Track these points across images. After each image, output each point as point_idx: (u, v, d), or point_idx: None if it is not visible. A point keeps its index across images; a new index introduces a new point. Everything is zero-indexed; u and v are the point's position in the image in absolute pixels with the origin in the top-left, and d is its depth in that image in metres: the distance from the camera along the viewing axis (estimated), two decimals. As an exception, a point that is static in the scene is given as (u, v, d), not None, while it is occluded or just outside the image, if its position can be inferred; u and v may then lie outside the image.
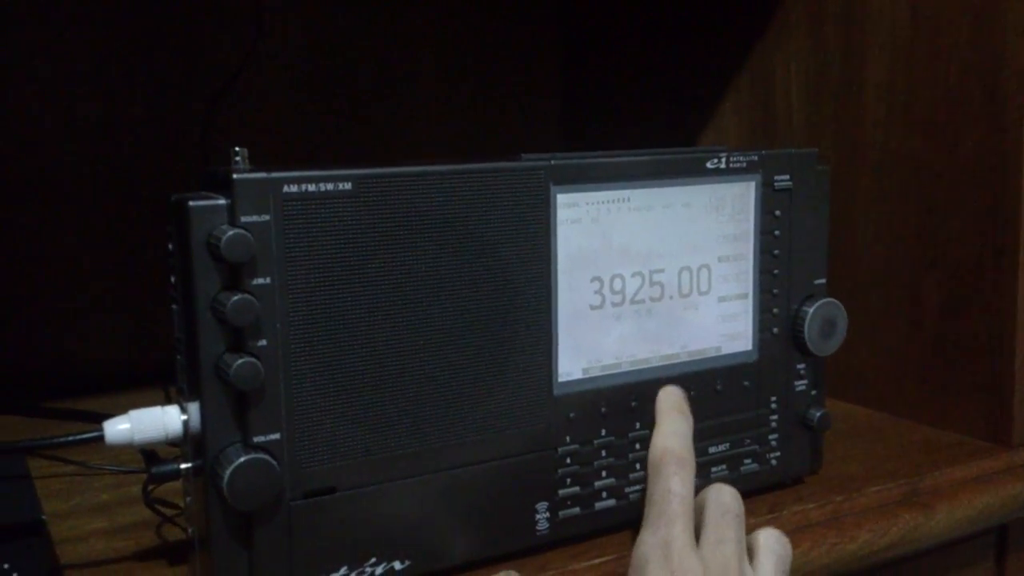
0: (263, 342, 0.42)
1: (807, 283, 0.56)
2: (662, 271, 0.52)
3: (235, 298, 0.40)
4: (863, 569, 0.56)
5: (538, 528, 0.50)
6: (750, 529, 0.49)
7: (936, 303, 0.67)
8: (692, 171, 0.52)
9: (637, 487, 0.52)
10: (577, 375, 0.50)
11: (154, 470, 0.46)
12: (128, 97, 0.84)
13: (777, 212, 0.55)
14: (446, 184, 0.45)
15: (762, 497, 0.56)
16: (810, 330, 0.56)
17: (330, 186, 0.43)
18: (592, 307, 0.50)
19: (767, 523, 0.54)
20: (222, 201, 0.41)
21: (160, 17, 0.84)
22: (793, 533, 0.54)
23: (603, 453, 0.51)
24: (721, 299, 0.54)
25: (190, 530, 0.46)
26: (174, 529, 0.52)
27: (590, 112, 1.02)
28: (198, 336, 0.41)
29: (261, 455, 0.42)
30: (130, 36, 0.83)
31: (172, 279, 0.44)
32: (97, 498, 0.58)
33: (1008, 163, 0.62)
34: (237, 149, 0.43)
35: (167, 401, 0.49)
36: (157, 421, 0.45)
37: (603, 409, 0.51)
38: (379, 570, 0.46)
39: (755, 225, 0.54)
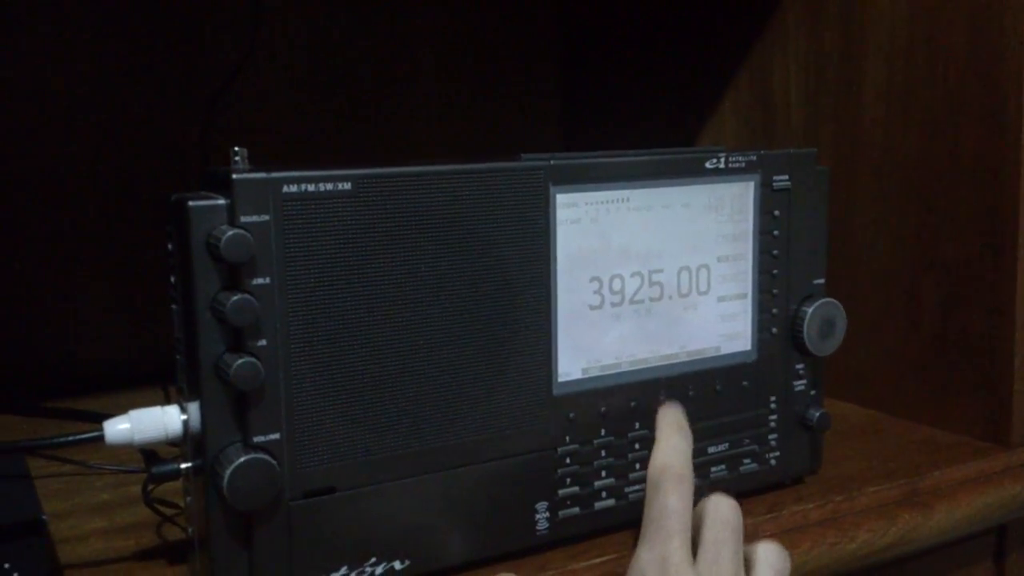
0: (263, 342, 0.42)
1: (806, 283, 0.57)
2: (661, 271, 0.52)
3: (235, 298, 0.40)
4: (862, 569, 0.56)
5: (538, 528, 0.50)
6: (749, 538, 0.49)
7: (935, 303, 0.67)
8: (691, 171, 0.52)
9: (637, 487, 0.52)
10: (576, 375, 0.50)
11: (154, 470, 0.46)
12: (128, 97, 0.84)
13: (776, 212, 0.55)
14: (446, 184, 0.45)
15: (761, 497, 0.57)
16: (809, 330, 0.56)
17: (330, 186, 0.43)
18: (591, 307, 0.50)
19: (766, 523, 0.54)
20: (222, 201, 0.41)
21: (159, 17, 0.84)
22: (792, 533, 0.54)
23: (603, 453, 0.51)
24: (720, 299, 0.54)
25: (190, 530, 0.47)
26: (174, 529, 0.52)
27: (590, 112, 1.02)
28: (198, 336, 0.41)
29: (261, 455, 0.42)
30: (130, 36, 0.83)
31: (172, 279, 0.44)
32: (97, 498, 0.58)
33: (1006, 163, 0.62)
34: (236, 149, 0.43)
35: (167, 401, 0.49)
36: (157, 421, 0.45)
37: (602, 409, 0.51)
38: (379, 570, 0.46)
39: (754, 225, 0.54)
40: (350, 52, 0.93)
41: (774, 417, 0.57)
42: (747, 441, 0.56)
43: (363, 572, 0.46)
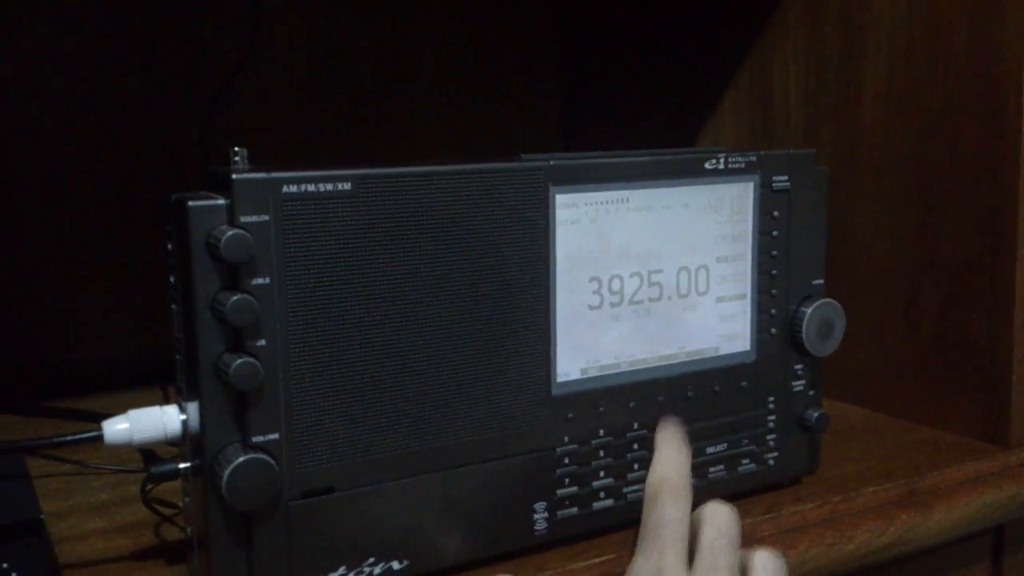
0: (262, 342, 0.42)
1: (805, 284, 0.57)
2: (660, 271, 0.52)
3: (234, 298, 0.40)
4: (860, 569, 0.56)
5: (536, 528, 0.50)
6: (747, 539, 0.49)
7: (934, 304, 0.67)
8: (691, 172, 0.52)
9: (635, 487, 0.52)
10: (575, 375, 0.50)
11: (153, 470, 0.46)
12: (128, 97, 0.84)
13: (775, 213, 0.55)
14: (445, 184, 0.45)
15: (760, 497, 0.57)
16: (808, 331, 0.56)
17: (329, 186, 0.43)
18: (591, 307, 0.50)
19: (764, 523, 0.54)
20: (221, 201, 0.41)
21: (160, 17, 0.84)
22: (791, 533, 0.54)
23: (601, 453, 0.51)
24: (719, 299, 0.54)
25: (189, 530, 0.47)
26: (173, 529, 0.52)
27: (589, 112, 1.02)
28: (197, 336, 0.42)
29: (260, 455, 0.42)
30: (130, 36, 0.84)
31: (171, 279, 0.44)
32: (96, 497, 0.58)
33: (1006, 164, 0.62)
34: (236, 149, 0.43)
35: (166, 401, 0.49)
36: (156, 421, 0.45)
37: (601, 409, 0.51)
38: (377, 570, 0.46)
39: (753, 226, 0.54)
40: (350, 52, 0.93)
41: (773, 417, 0.57)
42: (746, 441, 0.56)
43: (361, 572, 0.46)
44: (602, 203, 0.50)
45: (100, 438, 0.45)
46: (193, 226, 0.41)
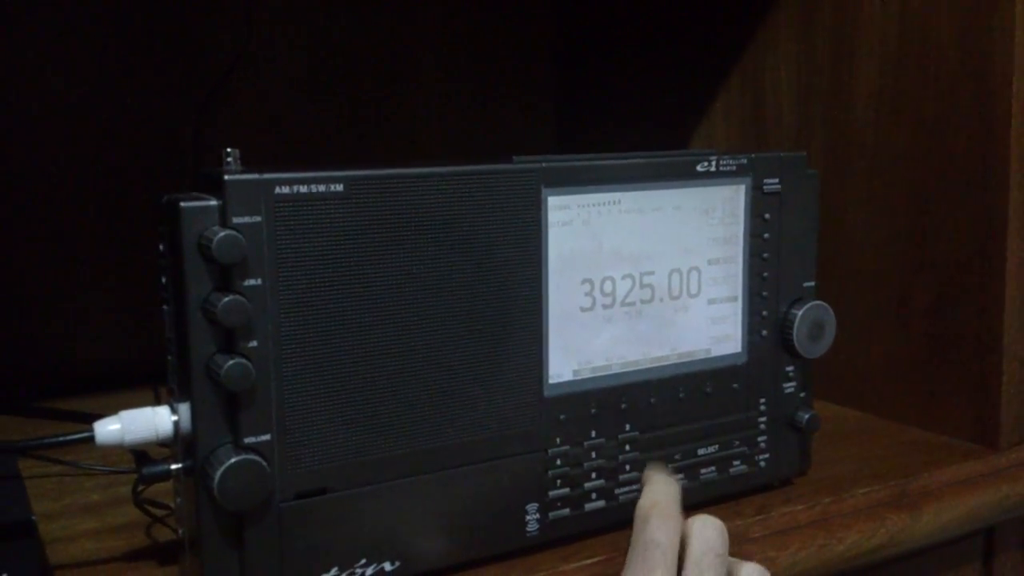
0: (254, 343, 0.42)
1: (796, 286, 0.57)
2: (652, 273, 0.52)
3: (226, 299, 0.40)
4: (851, 570, 0.56)
5: (528, 529, 0.50)
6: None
7: (925, 305, 0.67)
8: (682, 174, 0.52)
9: (627, 489, 0.53)
10: (567, 377, 0.50)
11: (144, 471, 0.46)
12: (128, 97, 0.84)
13: (767, 215, 0.55)
14: (438, 186, 0.45)
15: (751, 498, 0.57)
16: (799, 333, 0.56)
17: (322, 187, 0.43)
18: (583, 309, 0.50)
19: (755, 524, 0.54)
20: (213, 202, 0.41)
21: (158, 18, 0.84)
22: (781, 534, 0.54)
23: (593, 455, 0.52)
24: (711, 301, 0.54)
25: (180, 531, 0.47)
26: (164, 530, 0.52)
27: (584, 114, 1.02)
28: (189, 337, 0.41)
29: (252, 456, 0.42)
30: (130, 37, 0.83)
31: (163, 280, 0.44)
32: (87, 498, 0.58)
33: (996, 165, 0.62)
34: (229, 150, 0.43)
35: (158, 402, 0.49)
36: (148, 422, 0.45)
37: (593, 411, 0.51)
38: (369, 571, 0.46)
39: (745, 228, 0.55)
40: (346, 53, 0.93)
41: (764, 419, 0.57)
42: (737, 443, 0.56)
43: (353, 573, 0.46)
44: (594, 205, 0.50)
45: (92, 439, 0.45)
46: (185, 227, 0.41)
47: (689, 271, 0.53)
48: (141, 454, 0.57)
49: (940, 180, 0.66)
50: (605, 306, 0.51)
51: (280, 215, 0.42)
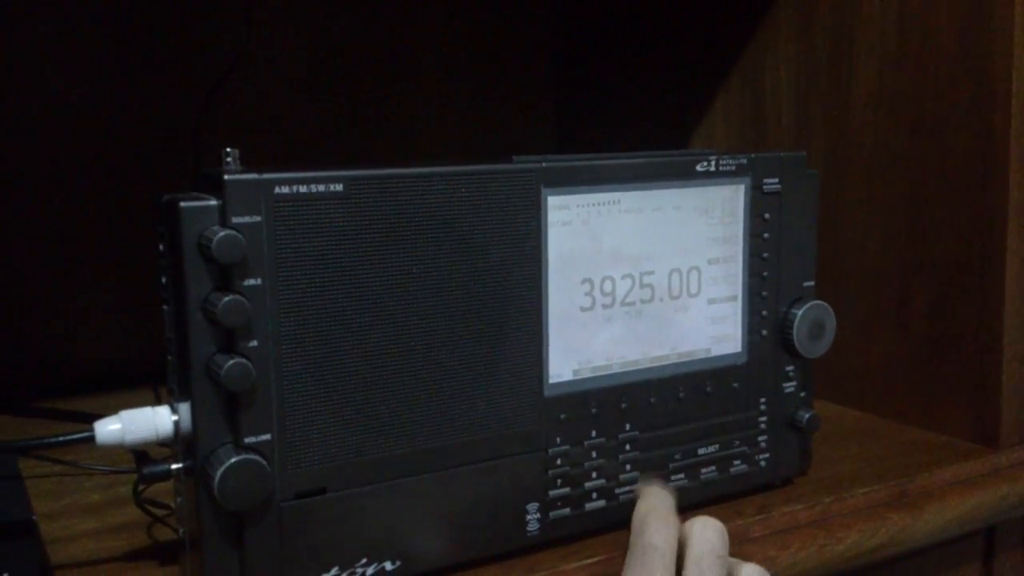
0: (254, 343, 0.42)
1: (796, 285, 0.57)
2: (652, 273, 0.52)
3: (226, 299, 0.40)
4: (852, 570, 0.56)
5: (528, 529, 0.50)
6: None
7: (925, 305, 0.67)
8: (682, 174, 0.52)
9: (627, 488, 0.53)
10: (567, 376, 0.50)
11: (145, 470, 0.46)
12: (128, 97, 0.84)
13: (766, 215, 0.55)
14: (437, 186, 0.45)
15: (751, 498, 0.57)
16: (799, 332, 0.56)
17: (321, 187, 0.43)
18: (582, 309, 0.50)
19: (756, 524, 0.54)
20: (213, 202, 0.41)
21: (154, 19, 0.84)
22: (782, 534, 0.54)
23: (593, 454, 0.52)
24: (711, 301, 0.54)
25: (181, 530, 0.47)
26: (165, 529, 0.52)
27: (584, 114, 1.02)
28: (189, 337, 0.42)
29: (252, 456, 0.42)
30: (127, 38, 0.83)
31: (163, 280, 0.44)
32: (88, 498, 0.58)
33: (995, 165, 0.62)
34: (228, 150, 0.43)
35: (158, 401, 0.49)
36: (148, 421, 0.45)
37: (593, 410, 0.51)
38: (370, 570, 0.46)
39: (744, 228, 0.55)
40: (346, 53, 0.93)
41: (764, 419, 0.57)
42: (737, 442, 0.56)
43: (354, 573, 0.46)
44: (594, 205, 0.50)
45: (92, 439, 0.45)
46: (185, 227, 0.41)
47: (689, 271, 0.53)
48: (141, 454, 0.57)
49: (940, 180, 0.66)
50: (605, 306, 0.51)
51: (280, 215, 0.42)
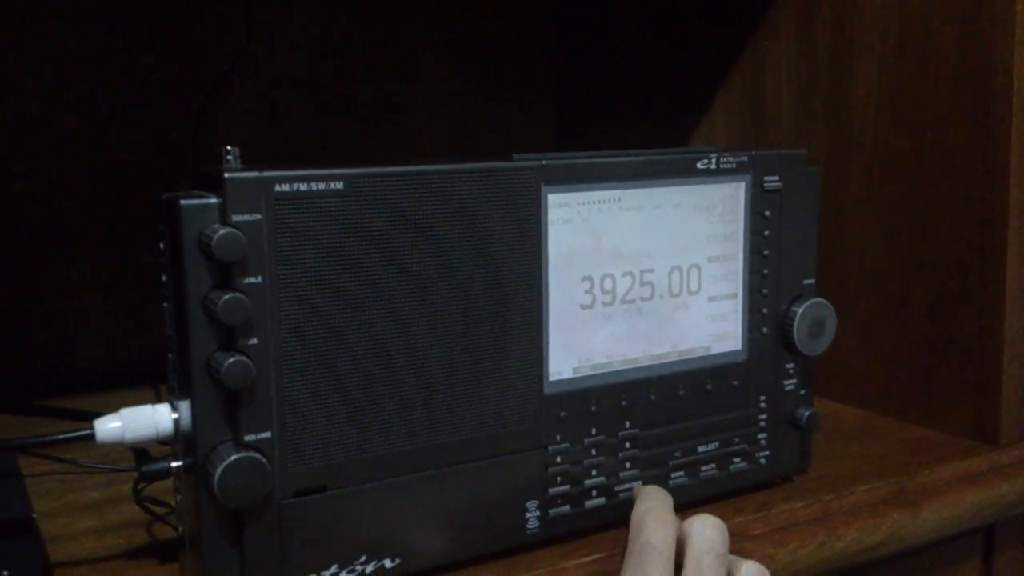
0: (254, 341, 0.42)
1: (796, 283, 0.57)
2: (652, 271, 0.52)
3: (226, 297, 0.40)
4: (851, 567, 0.56)
5: (528, 526, 0.50)
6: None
7: (925, 303, 0.67)
8: (682, 172, 0.52)
9: (627, 486, 0.53)
10: (567, 374, 0.50)
11: (145, 468, 0.46)
12: (128, 97, 0.84)
13: (767, 213, 0.55)
14: (438, 184, 0.45)
15: (751, 496, 0.57)
16: (799, 330, 0.56)
17: (322, 185, 0.43)
18: (583, 306, 0.50)
19: (755, 522, 0.54)
20: (213, 200, 0.41)
21: (154, 18, 0.84)
22: (782, 532, 0.54)
23: (593, 452, 0.52)
24: (711, 299, 0.54)
25: (181, 528, 0.47)
26: (165, 527, 0.52)
27: (584, 112, 1.02)
28: (189, 335, 0.42)
29: (252, 453, 0.42)
30: (127, 38, 0.83)
31: (163, 278, 0.44)
32: (88, 496, 0.58)
33: (995, 164, 0.62)
34: (229, 148, 0.43)
35: (158, 399, 0.49)
36: (148, 419, 0.45)
37: (593, 408, 0.51)
38: (369, 568, 0.46)
39: (745, 225, 0.55)
40: (346, 52, 0.93)
41: (764, 416, 0.57)
42: (737, 440, 0.56)
43: (353, 570, 0.46)
44: (594, 203, 0.50)
45: (92, 437, 0.45)
46: (185, 225, 0.41)
47: (689, 268, 0.53)
48: (141, 452, 0.57)
49: (940, 179, 0.66)
50: (605, 303, 0.51)
51: (280, 213, 0.42)
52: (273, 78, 0.89)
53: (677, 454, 0.54)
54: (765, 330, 0.56)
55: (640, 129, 0.94)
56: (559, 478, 0.51)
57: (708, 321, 0.54)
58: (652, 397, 0.53)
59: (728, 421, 0.56)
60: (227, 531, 0.43)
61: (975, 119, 0.63)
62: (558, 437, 0.50)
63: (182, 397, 0.43)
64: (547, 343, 0.49)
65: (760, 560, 0.48)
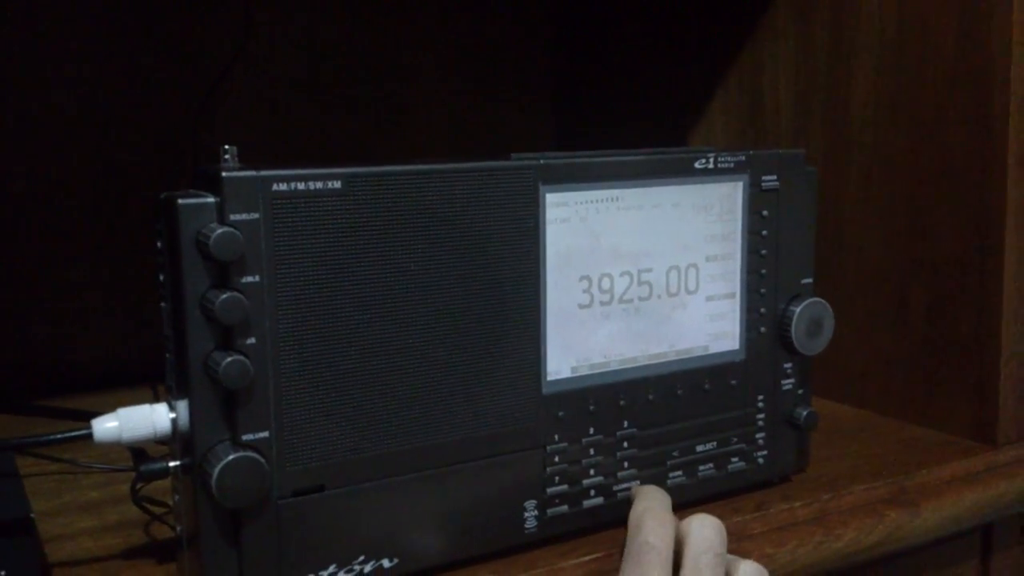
0: (252, 340, 0.42)
1: (794, 283, 0.57)
2: (650, 270, 0.52)
3: (224, 296, 0.40)
4: (849, 567, 0.56)
5: (526, 526, 0.50)
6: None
7: (923, 303, 0.67)
8: (680, 171, 0.52)
9: (625, 485, 0.53)
10: (566, 374, 0.50)
11: (142, 468, 0.46)
12: (127, 97, 0.84)
13: (764, 212, 0.55)
14: (436, 183, 0.45)
15: (749, 495, 0.57)
16: (797, 329, 0.56)
17: (319, 184, 0.43)
18: (581, 306, 0.50)
19: (753, 521, 0.54)
20: (211, 199, 0.41)
21: (154, 18, 0.84)
22: (780, 531, 0.54)
23: (591, 451, 0.52)
24: (709, 298, 0.54)
25: (178, 528, 0.47)
26: (163, 527, 0.52)
27: (582, 112, 1.02)
28: (187, 334, 0.42)
29: (250, 453, 0.42)
30: (126, 38, 0.83)
31: (161, 277, 0.44)
32: (86, 496, 0.58)
33: (994, 163, 0.62)
34: (226, 147, 0.43)
35: (156, 400, 0.49)
36: (145, 419, 0.45)
37: (591, 407, 0.51)
38: (368, 568, 0.46)
39: (743, 225, 0.55)
40: (345, 51, 0.93)
41: (762, 416, 0.57)
42: (735, 440, 0.56)
43: (352, 570, 0.46)
44: (592, 202, 0.50)
45: (89, 436, 0.45)
46: (182, 224, 0.41)
47: (687, 268, 0.53)
48: (139, 452, 0.57)
49: (938, 179, 0.66)
50: (603, 303, 0.51)
51: (278, 212, 0.42)
52: (273, 78, 0.89)
53: (675, 454, 0.54)
54: (763, 329, 0.56)
55: (638, 129, 0.94)
56: (557, 478, 0.51)
57: (706, 320, 0.54)
58: (650, 397, 0.53)
59: (726, 421, 0.56)
60: (225, 531, 0.43)
61: (974, 119, 0.63)
62: (556, 437, 0.50)
63: (180, 397, 0.43)
64: (545, 342, 0.49)
65: (758, 560, 0.48)
